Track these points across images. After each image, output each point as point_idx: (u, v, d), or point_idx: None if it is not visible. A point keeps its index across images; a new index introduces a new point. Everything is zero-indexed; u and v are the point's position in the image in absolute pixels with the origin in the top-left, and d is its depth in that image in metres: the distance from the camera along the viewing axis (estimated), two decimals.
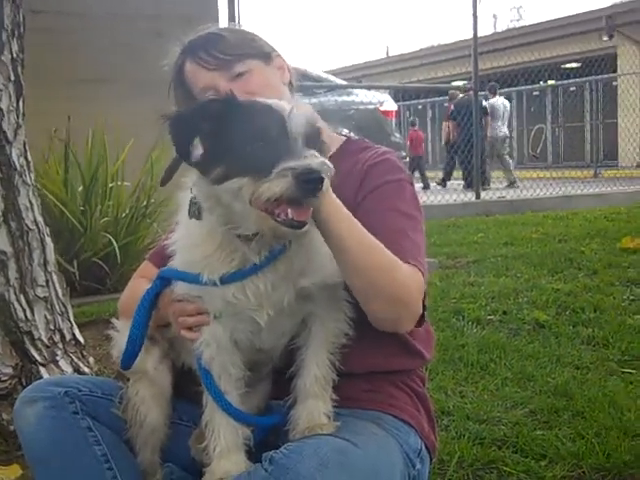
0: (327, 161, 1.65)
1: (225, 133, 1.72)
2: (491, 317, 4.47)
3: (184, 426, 2.17)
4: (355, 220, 1.83)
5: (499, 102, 17.75)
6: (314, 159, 1.62)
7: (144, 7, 7.85)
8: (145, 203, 5.97)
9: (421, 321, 1.99)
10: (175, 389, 2.11)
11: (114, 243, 5.44)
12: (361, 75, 29.57)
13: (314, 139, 1.72)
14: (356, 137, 2.35)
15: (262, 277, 1.80)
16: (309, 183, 1.59)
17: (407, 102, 26.33)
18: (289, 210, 1.63)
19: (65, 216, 5.42)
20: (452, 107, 17.54)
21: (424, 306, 1.97)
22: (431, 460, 2.17)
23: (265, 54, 2.24)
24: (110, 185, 5.86)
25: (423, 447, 2.10)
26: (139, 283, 2.32)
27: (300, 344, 1.97)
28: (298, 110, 1.74)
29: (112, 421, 2.04)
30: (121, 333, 2.15)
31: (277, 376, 2.11)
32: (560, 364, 3.54)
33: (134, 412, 2.03)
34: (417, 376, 2.24)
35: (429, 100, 26.91)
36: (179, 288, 1.91)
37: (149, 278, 2.28)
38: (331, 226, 1.78)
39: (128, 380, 2.08)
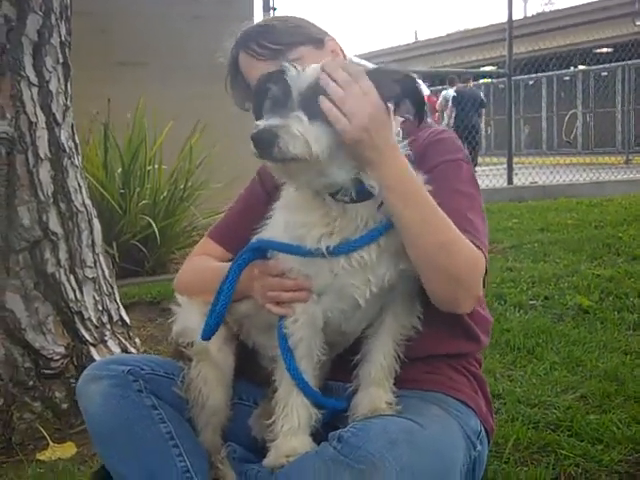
0: (301, 119, 1.66)
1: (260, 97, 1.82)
2: (533, 302, 4.44)
3: (244, 405, 2.18)
4: (421, 192, 1.81)
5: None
6: (281, 120, 1.65)
7: None
8: (183, 186, 6.00)
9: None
10: (235, 369, 2.13)
11: (153, 225, 5.47)
12: (390, 60, 29.45)
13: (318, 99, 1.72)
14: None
15: (367, 249, 1.80)
16: (257, 143, 1.65)
17: (434, 87, 26.19)
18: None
19: (105, 198, 5.46)
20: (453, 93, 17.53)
21: (483, 285, 1.96)
22: (489, 442, 2.18)
23: (316, 39, 2.25)
24: (148, 168, 5.89)
25: (482, 429, 2.11)
26: (200, 260, 2.34)
27: (369, 333, 1.99)
28: (305, 72, 1.75)
29: (174, 400, 2.05)
30: (183, 308, 2.16)
31: (336, 359, 2.12)
32: (607, 349, 3.51)
33: (196, 393, 2.04)
34: (475, 359, 2.25)
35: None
36: (284, 262, 1.90)
37: (211, 255, 2.30)
38: (391, 199, 1.77)
39: (189, 360, 2.09)
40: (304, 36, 2.23)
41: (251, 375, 2.16)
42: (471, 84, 17.83)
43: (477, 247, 1.90)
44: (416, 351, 2.02)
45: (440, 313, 1.98)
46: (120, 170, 5.80)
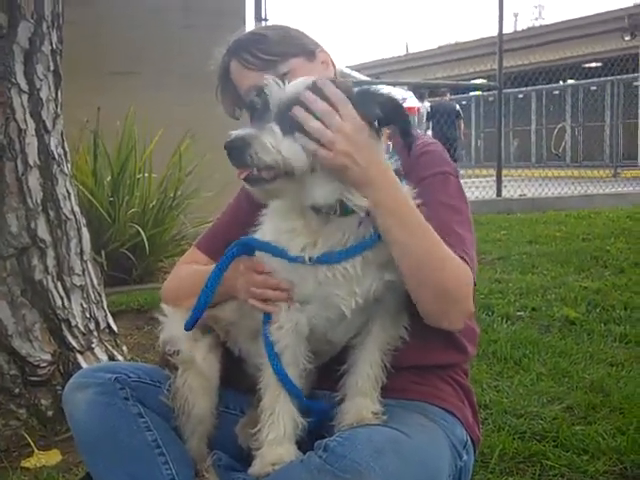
0: (273, 130, 1.69)
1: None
2: (520, 313, 4.46)
3: (231, 414, 2.18)
4: (415, 213, 1.83)
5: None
6: (253, 130, 1.69)
7: (176, 0, 7.89)
8: (172, 195, 6.00)
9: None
10: (221, 377, 2.13)
11: (142, 234, 5.46)
12: (380, 72, 29.56)
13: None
14: None
15: (352, 262, 1.81)
16: (229, 151, 1.69)
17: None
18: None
19: (94, 206, 5.45)
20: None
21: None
22: (475, 452, 2.18)
23: (308, 51, 2.26)
24: (138, 176, 5.89)
25: (468, 439, 2.12)
26: (186, 267, 2.34)
27: (356, 343, 1.99)
28: (285, 87, 1.77)
29: (160, 408, 2.05)
30: (169, 317, 2.16)
31: (322, 367, 2.13)
32: (594, 361, 3.53)
33: (182, 401, 2.04)
34: (462, 370, 2.25)
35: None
36: (269, 264, 1.92)
37: (198, 264, 2.30)
38: (385, 222, 1.79)
39: (175, 369, 2.09)
40: (296, 47, 2.24)
41: (237, 383, 2.16)
42: (447, 97, 18.04)
43: (465, 261, 1.91)
44: (403, 361, 2.03)
45: (424, 324, 1.99)
46: (109, 178, 5.78)
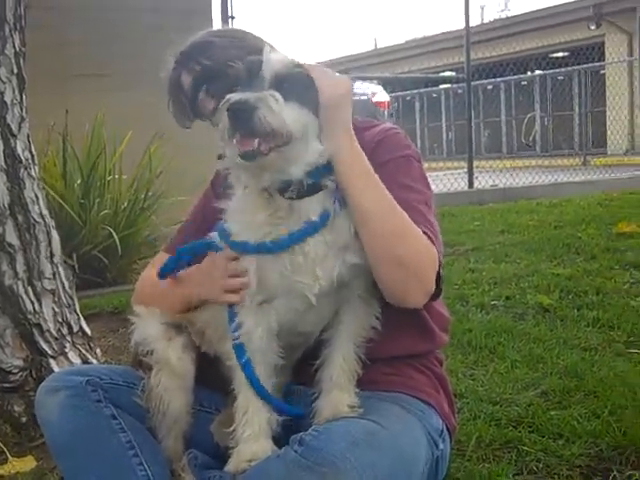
0: (275, 96, 1.69)
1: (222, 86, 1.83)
2: (495, 302, 4.48)
3: (206, 412, 2.18)
4: (377, 179, 1.85)
5: None
6: (257, 94, 1.68)
7: (141, 1, 7.83)
8: (143, 196, 5.97)
9: (435, 296, 1.98)
10: (195, 376, 2.12)
11: (114, 235, 5.43)
12: (351, 67, 29.55)
13: (292, 83, 1.76)
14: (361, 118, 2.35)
15: (312, 244, 1.82)
16: (235, 114, 1.66)
17: (395, 94, 26.34)
18: (234, 140, 1.71)
19: (64, 209, 5.41)
20: None
21: (439, 282, 1.97)
22: (451, 440, 2.19)
23: (256, 50, 2.26)
24: (108, 178, 5.85)
25: (444, 427, 2.13)
26: (155, 272, 2.33)
27: (329, 336, 2.00)
28: (276, 56, 1.81)
29: (134, 409, 2.04)
30: (142, 318, 2.15)
31: (298, 362, 2.13)
32: (568, 346, 3.55)
33: (157, 401, 2.04)
34: (435, 358, 2.26)
35: (417, 91, 26.92)
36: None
37: None
38: (346, 178, 1.82)
39: (148, 369, 2.08)
40: (244, 49, 2.23)
41: (212, 382, 2.15)
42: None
43: (429, 239, 1.91)
44: (377, 352, 2.03)
45: (399, 313, 1.99)
46: (79, 181, 5.74)
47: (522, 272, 5.23)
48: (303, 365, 2.08)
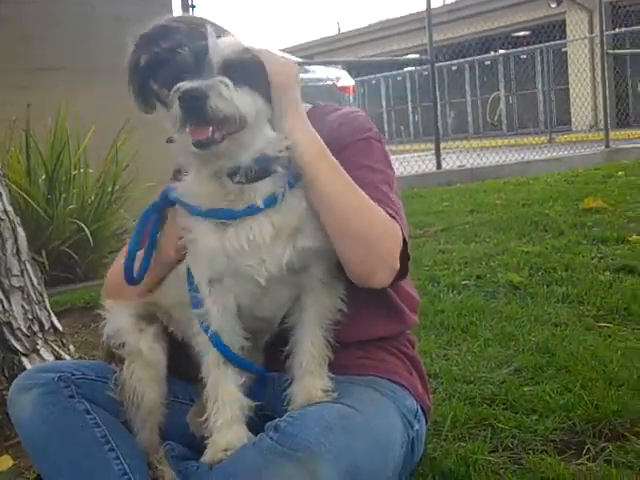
0: (225, 82, 1.69)
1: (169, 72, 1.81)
2: (466, 282, 4.50)
3: (180, 403, 2.18)
4: (333, 159, 1.87)
5: None
6: (208, 81, 1.68)
7: None
8: (110, 189, 5.91)
9: (401, 276, 1.98)
10: (168, 367, 2.11)
11: (85, 230, 5.38)
12: (314, 53, 29.48)
13: (241, 68, 1.75)
14: (324, 103, 2.35)
15: (257, 227, 1.81)
16: (187, 103, 1.66)
17: (360, 78, 26.34)
18: (187, 129, 1.71)
19: (30, 206, 5.35)
20: None
21: (406, 261, 1.97)
22: (426, 421, 2.21)
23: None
24: (74, 173, 5.79)
25: (419, 408, 2.14)
26: (121, 260, 2.31)
27: (294, 322, 2.00)
28: (224, 41, 1.80)
29: (108, 403, 2.03)
30: (112, 311, 2.15)
31: (269, 349, 2.13)
32: (539, 323, 3.58)
33: (130, 393, 2.03)
34: (407, 340, 2.28)
35: (382, 75, 26.93)
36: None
37: None
38: (304, 158, 1.83)
39: (120, 362, 2.07)
40: (203, 35, 2.22)
41: (185, 372, 2.15)
42: None
43: (393, 218, 1.92)
44: (347, 336, 2.03)
45: (368, 296, 2.00)
46: (44, 176, 5.68)
47: (492, 251, 5.26)
48: (274, 352, 2.08)
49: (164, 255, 2.08)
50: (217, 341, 1.89)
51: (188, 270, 1.94)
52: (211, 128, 1.69)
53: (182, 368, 2.13)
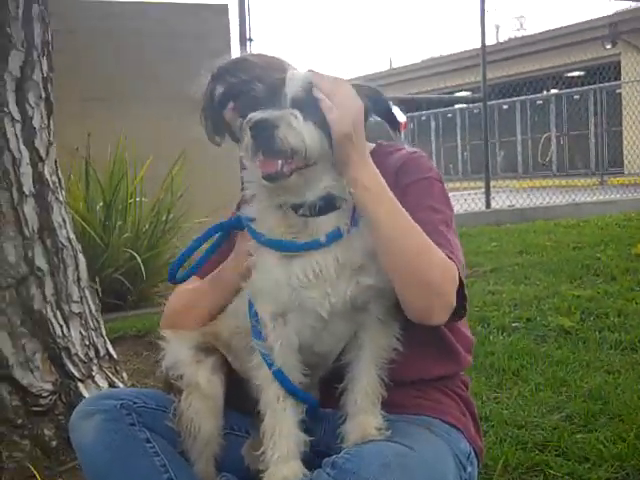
0: (295, 114, 1.73)
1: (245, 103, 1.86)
2: (516, 324, 4.49)
3: (236, 435, 2.20)
4: (394, 199, 1.88)
5: None
6: (278, 112, 1.72)
7: (159, 26, 7.94)
8: (165, 219, 6.02)
9: (460, 315, 2.00)
10: (225, 399, 2.15)
11: (137, 258, 5.48)
12: None
13: (312, 104, 1.78)
14: (386, 142, 2.39)
15: (322, 260, 1.86)
16: (257, 132, 1.71)
17: (410, 114, 26.39)
18: (257, 161, 1.76)
19: (86, 232, 5.47)
20: None
21: (464, 301, 1.99)
22: (479, 464, 2.21)
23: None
24: (130, 201, 5.91)
25: (471, 450, 2.14)
26: (181, 290, 2.37)
27: (350, 359, 2.02)
28: (296, 75, 1.85)
29: (167, 432, 2.07)
30: (171, 342, 2.19)
31: (323, 386, 2.15)
32: (591, 369, 3.56)
33: (188, 424, 2.06)
34: (461, 381, 2.28)
35: (432, 111, 27.01)
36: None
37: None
38: (366, 200, 1.84)
39: (179, 392, 2.11)
40: (279, 72, 2.29)
41: (241, 405, 2.18)
42: None
43: (450, 258, 1.94)
44: (402, 375, 2.05)
45: (424, 335, 2.02)
46: (101, 204, 5.81)
47: (542, 294, 5.24)
48: (327, 388, 2.10)
49: (228, 277, 2.14)
50: (280, 376, 1.92)
51: (249, 299, 1.99)
52: (280, 162, 1.74)
53: (239, 400, 2.17)
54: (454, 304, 1.94)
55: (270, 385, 1.95)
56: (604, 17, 22.56)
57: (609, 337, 4.06)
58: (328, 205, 1.86)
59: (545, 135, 25.08)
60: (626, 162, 21.93)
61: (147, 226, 5.98)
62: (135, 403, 2.08)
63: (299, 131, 1.73)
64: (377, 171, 1.89)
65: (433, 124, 28.31)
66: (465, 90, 26.04)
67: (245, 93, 1.87)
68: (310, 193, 1.84)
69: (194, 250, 2.20)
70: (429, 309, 1.91)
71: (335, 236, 1.86)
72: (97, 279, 5.31)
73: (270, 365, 1.92)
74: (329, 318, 1.89)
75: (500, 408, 3.11)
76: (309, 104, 1.78)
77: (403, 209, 1.90)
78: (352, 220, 1.88)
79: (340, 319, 1.93)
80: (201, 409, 2.07)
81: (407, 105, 21.66)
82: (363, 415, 1.98)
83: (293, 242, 1.86)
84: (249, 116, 1.74)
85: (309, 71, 1.86)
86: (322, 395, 2.16)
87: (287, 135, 1.71)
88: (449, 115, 27.17)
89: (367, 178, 1.86)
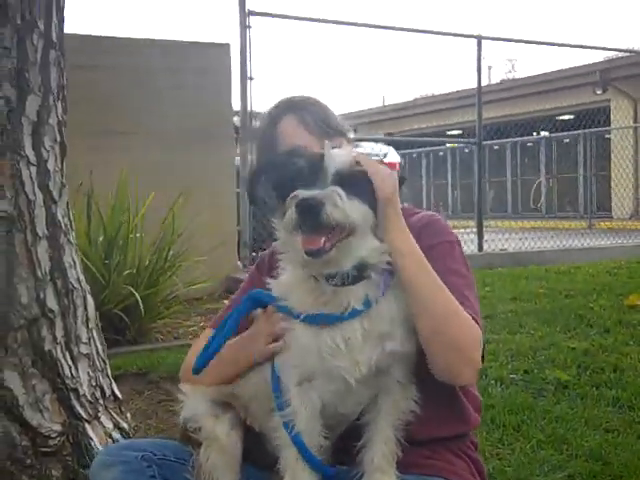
0: (339, 193, 1.81)
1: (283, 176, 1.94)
2: (513, 376, 4.53)
3: None
4: (429, 266, 1.96)
5: None
6: (322, 192, 1.79)
7: (161, 60, 8.01)
8: (165, 255, 6.05)
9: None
10: (243, 454, 2.18)
11: (136, 295, 5.50)
12: (357, 123, 29.86)
13: (352, 179, 1.88)
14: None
15: (351, 329, 1.92)
16: (304, 210, 1.78)
17: (401, 151, 26.54)
18: (300, 238, 1.83)
19: (88, 268, 5.46)
20: None
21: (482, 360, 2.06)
22: None
23: (347, 135, 2.45)
24: (131, 236, 5.94)
25: None
26: (202, 343, 2.40)
27: (369, 420, 2.07)
28: (337, 153, 1.93)
29: None
30: (189, 396, 2.23)
31: (339, 441, 2.19)
32: (590, 427, 3.60)
33: (206, 477, 2.10)
34: (470, 441, 2.34)
35: (423, 149, 27.20)
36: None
37: None
38: (404, 266, 1.93)
39: (198, 445, 2.15)
40: (344, 129, 2.44)
41: (258, 459, 2.22)
42: None
43: (475, 320, 2.02)
44: (416, 435, 2.10)
45: (437, 396, 2.08)
46: (102, 239, 5.83)
47: (538, 344, 5.29)
48: (345, 446, 2.14)
49: (248, 357, 2.15)
50: (299, 441, 1.97)
51: (273, 371, 2.04)
52: (324, 239, 1.81)
53: (256, 455, 2.20)
54: (479, 364, 2.03)
55: (290, 445, 1.99)
56: (595, 63, 22.88)
57: (606, 394, 4.11)
58: (360, 274, 1.92)
59: (537, 181, 25.32)
60: (613, 206, 22.16)
61: (147, 262, 6.00)
62: (155, 455, 2.12)
63: (343, 209, 1.80)
64: (413, 238, 1.99)
65: (424, 162, 28.50)
66: (455, 129, 26.28)
67: (285, 169, 1.94)
68: (347, 262, 1.90)
69: (223, 342, 2.15)
70: (458, 370, 2.01)
71: (365, 305, 1.92)
72: (97, 315, 5.33)
73: (290, 431, 1.96)
74: (355, 383, 1.94)
75: (503, 465, 3.15)
76: (349, 180, 1.86)
77: (434, 274, 1.98)
78: (381, 289, 1.94)
79: (364, 383, 1.97)
80: (219, 462, 2.11)
81: (396, 142, 21.81)
82: (379, 474, 2.03)
83: (332, 314, 1.92)
84: (295, 193, 1.81)
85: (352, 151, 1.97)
86: (337, 450, 2.20)
87: (333, 213, 1.79)
88: (440, 153, 27.38)
89: (407, 243, 1.96)
